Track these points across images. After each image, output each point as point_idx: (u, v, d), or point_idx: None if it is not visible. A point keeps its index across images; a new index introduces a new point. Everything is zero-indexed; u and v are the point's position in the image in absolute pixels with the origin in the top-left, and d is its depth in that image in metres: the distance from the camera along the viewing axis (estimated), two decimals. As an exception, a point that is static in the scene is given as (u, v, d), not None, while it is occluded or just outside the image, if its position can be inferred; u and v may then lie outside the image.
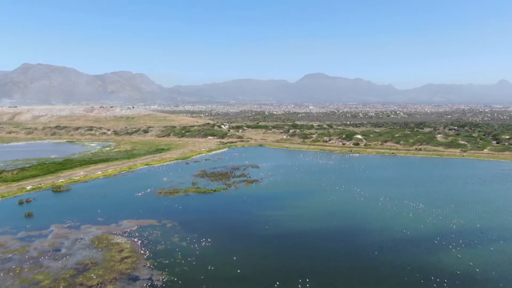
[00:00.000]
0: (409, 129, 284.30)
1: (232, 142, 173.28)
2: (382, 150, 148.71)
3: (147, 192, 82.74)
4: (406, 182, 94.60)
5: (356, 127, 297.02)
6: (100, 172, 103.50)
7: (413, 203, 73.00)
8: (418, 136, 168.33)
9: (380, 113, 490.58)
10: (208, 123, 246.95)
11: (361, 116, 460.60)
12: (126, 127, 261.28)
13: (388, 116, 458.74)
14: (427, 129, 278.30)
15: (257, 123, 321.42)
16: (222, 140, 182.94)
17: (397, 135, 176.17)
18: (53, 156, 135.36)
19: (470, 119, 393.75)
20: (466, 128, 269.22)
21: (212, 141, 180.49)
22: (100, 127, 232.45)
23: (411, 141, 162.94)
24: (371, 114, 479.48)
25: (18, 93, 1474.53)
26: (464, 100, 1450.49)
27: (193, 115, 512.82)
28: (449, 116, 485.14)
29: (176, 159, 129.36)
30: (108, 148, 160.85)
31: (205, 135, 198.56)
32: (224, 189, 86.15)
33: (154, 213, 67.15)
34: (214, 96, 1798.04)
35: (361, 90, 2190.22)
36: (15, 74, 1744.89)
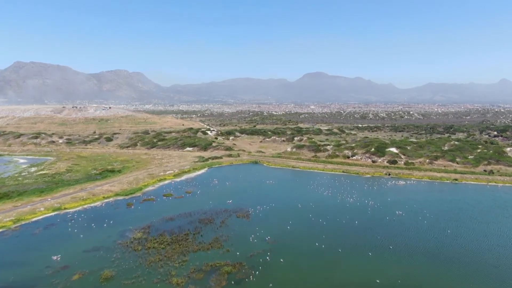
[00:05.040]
0: (439, 134, 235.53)
1: (216, 158, 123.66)
2: (437, 174, 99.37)
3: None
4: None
5: (373, 131, 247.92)
6: None
7: None
8: (479, 151, 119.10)
9: (392, 114, 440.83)
10: (191, 128, 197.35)
11: (371, 117, 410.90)
12: (94, 132, 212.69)
13: (402, 117, 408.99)
14: (460, 134, 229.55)
15: (254, 126, 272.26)
16: (204, 154, 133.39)
17: (446, 147, 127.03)
18: None
19: (499, 121, 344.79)
20: (508, 132, 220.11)
21: (189, 156, 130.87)
22: (52, 134, 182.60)
23: (471, 157, 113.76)
24: (382, 115, 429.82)
25: (11, 91, 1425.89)
26: (466, 99, 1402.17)
27: (184, 115, 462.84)
28: (468, 117, 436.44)
29: (117, 194, 79.79)
30: (34, 168, 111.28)
31: (183, 146, 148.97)
32: (161, 304, 36.81)
33: None
34: (213, 95, 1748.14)
35: (361, 89, 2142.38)
36: (7, 73, 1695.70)
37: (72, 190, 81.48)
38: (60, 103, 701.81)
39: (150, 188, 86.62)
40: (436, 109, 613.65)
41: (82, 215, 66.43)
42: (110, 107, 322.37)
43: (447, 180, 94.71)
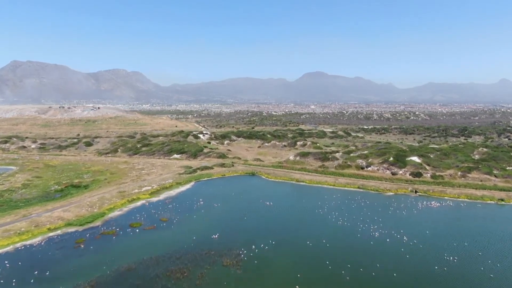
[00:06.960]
0: (453, 136, 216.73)
1: (206, 168, 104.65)
2: (476, 192, 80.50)
3: None
4: None
5: (380, 134, 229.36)
6: None
7: None
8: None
9: (397, 114, 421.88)
10: (182, 131, 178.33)
11: (375, 117, 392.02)
12: (78, 134, 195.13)
13: (408, 118, 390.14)
14: (476, 137, 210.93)
15: (252, 127, 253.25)
16: (192, 163, 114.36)
17: (476, 156, 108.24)
18: None
19: (511, 122, 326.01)
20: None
21: (174, 165, 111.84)
22: (25, 138, 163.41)
23: (510, 169, 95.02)
24: (386, 115, 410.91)
25: (8, 91, 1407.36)
26: (466, 99, 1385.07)
27: (180, 116, 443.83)
28: (477, 118, 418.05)
29: (69, 223, 60.80)
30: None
31: (169, 152, 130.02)
32: None
33: None
34: (212, 95, 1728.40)
35: (361, 89, 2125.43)
36: (3, 72, 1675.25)
37: (10, 218, 62.43)
38: (58, 103, 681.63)
39: (116, 213, 67.59)
40: (439, 109, 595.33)
41: (6, 261, 47.38)
42: (99, 107, 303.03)
43: (490, 200, 75.99)
